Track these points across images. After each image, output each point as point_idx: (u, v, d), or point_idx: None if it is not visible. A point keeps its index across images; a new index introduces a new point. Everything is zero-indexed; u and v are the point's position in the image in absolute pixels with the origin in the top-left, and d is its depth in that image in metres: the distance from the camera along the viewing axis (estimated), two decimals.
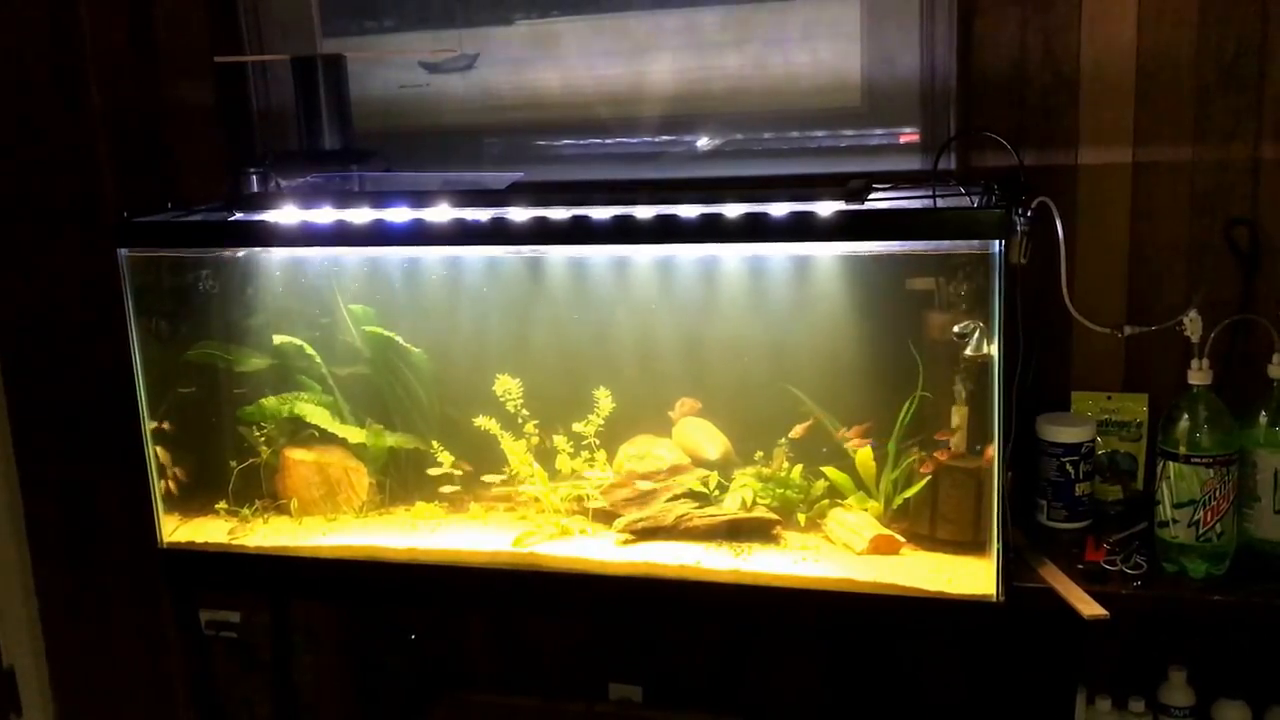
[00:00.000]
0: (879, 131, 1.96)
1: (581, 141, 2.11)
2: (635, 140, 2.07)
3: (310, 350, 1.86)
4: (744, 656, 2.14)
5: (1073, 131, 1.80)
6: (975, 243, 1.48)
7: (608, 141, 2.09)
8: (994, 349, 1.51)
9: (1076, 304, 1.63)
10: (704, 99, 2.02)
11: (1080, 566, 1.61)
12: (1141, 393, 1.81)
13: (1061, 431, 1.71)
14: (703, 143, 2.05)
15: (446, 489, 1.84)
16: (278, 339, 1.86)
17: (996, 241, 1.45)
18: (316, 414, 1.87)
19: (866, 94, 1.95)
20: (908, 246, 1.57)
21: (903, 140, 1.95)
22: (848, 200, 1.57)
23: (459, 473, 1.83)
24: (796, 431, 1.70)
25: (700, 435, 1.78)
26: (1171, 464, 1.57)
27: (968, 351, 1.55)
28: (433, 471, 1.83)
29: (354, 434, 1.87)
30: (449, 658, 2.32)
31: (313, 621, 2.37)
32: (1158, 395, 1.78)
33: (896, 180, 1.71)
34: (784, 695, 2.14)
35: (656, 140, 2.06)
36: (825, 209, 1.54)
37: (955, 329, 1.55)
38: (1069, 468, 1.71)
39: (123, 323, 1.82)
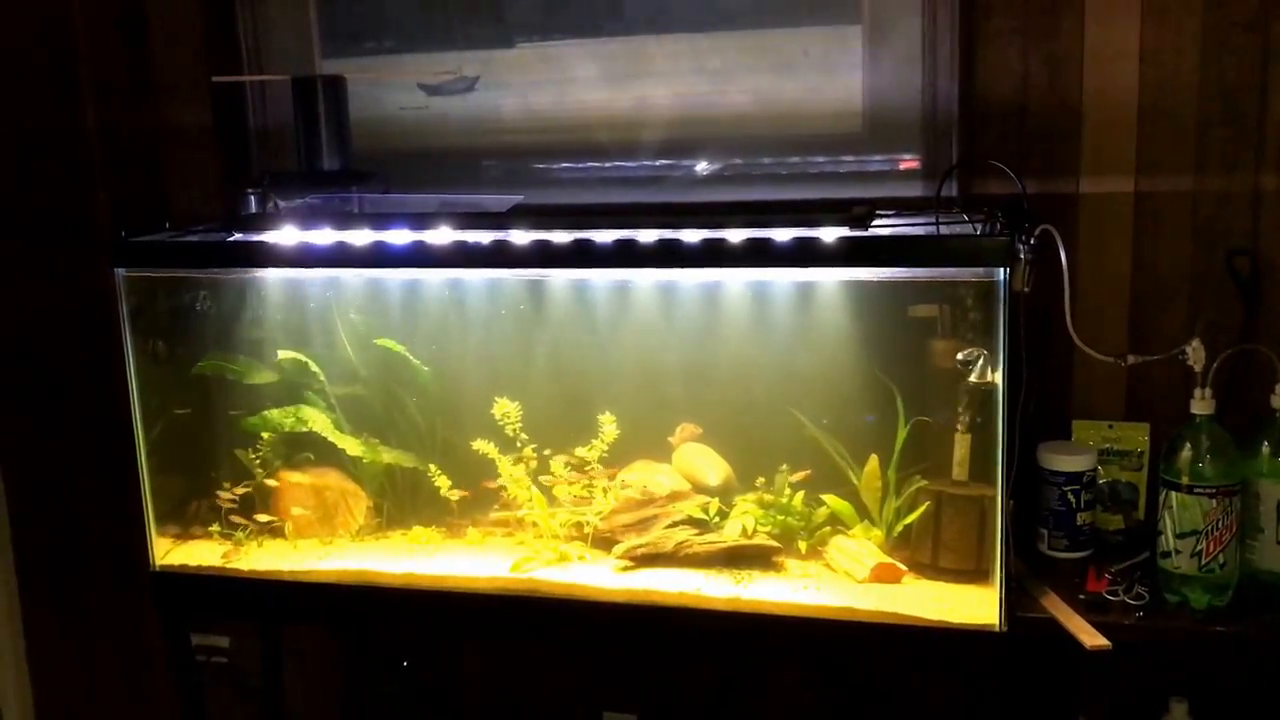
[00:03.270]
0: (879, 158, 1.96)
1: (581, 165, 2.10)
2: (635, 164, 2.07)
3: (315, 367, 1.85)
4: (740, 684, 2.13)
5: (1075, 160, 1.81)
6: (980, 270, 1.49)
7: (607, 165, 2.09)
8: (998, 377, 1.51)
9: (1078, 332, 1.62)
10: (704, 123, 2.02)
11: (1082, 596, 1.60)
12: (1143, 422, 1.80)
13: (1063, 460, 1.71)
14: (702, 167, 2.04)
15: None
16: (282, 354, 1.85)
17: (1001, 269, 1.45)
18: (319, 420, 1.84)
19: (868, 120, 1.95)
20: (911, 273, 1.57)
21: (903, 166, 1.95)
22: (852, 226, 1.57)
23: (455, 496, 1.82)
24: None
25: (701, 461, 1.77)
26: (1174, 494, 1.56)
27: (972, 379, 1.54)
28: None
29: (352, 445, 1.85)
30: (443, 684, 2.30)
31: (305, 647, 2.34)
32: (1159, 424, 1.78)
33: (899, 206, 1.71)
34: None
35: (656, 164, 2.06)
36: (830, 234, 1.53)
37: (959, 356, 1.55)
38: (1070, 497, 1.70)
39: (116, 343, 1.81)
